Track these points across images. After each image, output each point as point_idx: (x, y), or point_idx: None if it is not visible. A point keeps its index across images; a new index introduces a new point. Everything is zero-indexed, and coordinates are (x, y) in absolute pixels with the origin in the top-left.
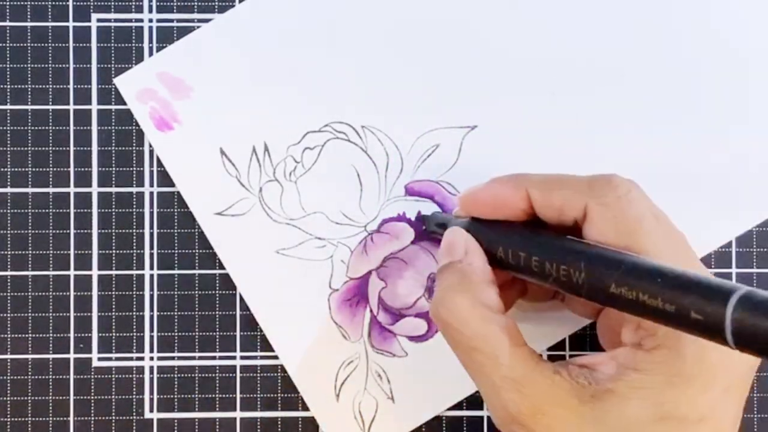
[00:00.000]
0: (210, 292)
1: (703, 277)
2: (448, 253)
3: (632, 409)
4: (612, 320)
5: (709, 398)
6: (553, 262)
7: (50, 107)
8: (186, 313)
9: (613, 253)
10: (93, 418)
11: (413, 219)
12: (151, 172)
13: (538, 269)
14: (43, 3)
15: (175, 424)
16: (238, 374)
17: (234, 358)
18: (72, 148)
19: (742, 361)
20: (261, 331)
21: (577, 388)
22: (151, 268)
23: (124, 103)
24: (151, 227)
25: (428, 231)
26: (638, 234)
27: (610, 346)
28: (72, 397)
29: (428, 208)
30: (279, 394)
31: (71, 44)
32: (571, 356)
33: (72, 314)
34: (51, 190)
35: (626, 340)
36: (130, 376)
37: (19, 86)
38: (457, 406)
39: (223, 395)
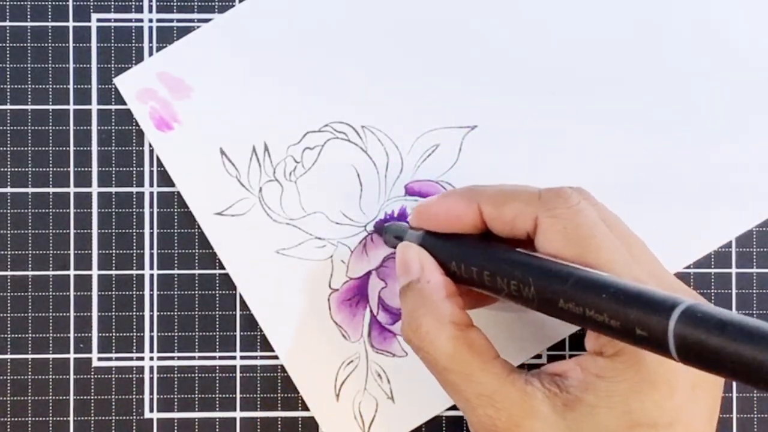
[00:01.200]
0: (210, 292)
1: (647, 290)
2: (404, 272)
3: (602, 418)
4: None
5: (677, 400)
6: (504, 277)
7: (50, 107)
8: (186, 313)
9: (561, 267)
10: (93, 418)
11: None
12: (151, 172)
13: (491, 283)
14: (43, 3)
15: (175, 424)
16: (238, 374)
17: (234, 358)
18: (72, 148)
19: None
20: (261, 331)
21: (549, 397)
22: (151, 268)
23: (124, 103)
24: (151, 227)
25: (386, 243)
26: (589, 244)
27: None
28: (72, 397)
29: None
30: (279, 394)
31: (71, 44)
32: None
33: (72, 314)
34: (51, 190)
35: (588, 347)
36: (130, 376)
37: (19, 86)
38: (457, 406)
39: (223, 395)
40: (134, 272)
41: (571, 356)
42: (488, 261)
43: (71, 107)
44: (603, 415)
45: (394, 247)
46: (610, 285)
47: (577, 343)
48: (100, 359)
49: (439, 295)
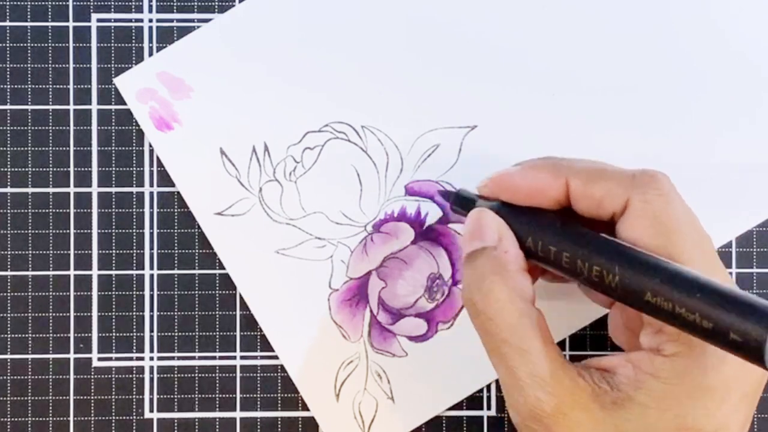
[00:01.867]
0: (210, 292)
1: (744, 295)
2: (479, 237)
3: (652, 419)
4: (629, 317)
5: (726, 409)
6: (585, 261)
7: (50, 107)
8: (186, 313)
9: (650, 259)
10: (93, 418)
11: (413, 216)
12: (151, 172)
13: (569, 266)
14: (43, 3)
15: (175, 424)
16: (238, 374)
17: (234, 358)
18: (72, 148)
19: (758, 369)
20: (261, 331)
21: (598, 393)
22: (151, 268)
23: (124, 103)
24: (151, 227)
25: (452, 208)
26: (675, 236)
27: (622, 340)
28: (72, 397)
29: (428, 208)
30: (279, 394)
31: (71, 44)
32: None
33: (72, 314)
34: (51, 190)
35: (645, 343)
36: (130, 376)
37: (19, 86)
38: (457, 406)
39: (223, 395)
40: (134, 272)
41: (571, 357)
42: (570, 242)
43: (71, 107)
44: (653, 416)
45: (457, 217)
46: (705, 285)
47: (578, 343)
48: (100, 359)
49: (516, 266)
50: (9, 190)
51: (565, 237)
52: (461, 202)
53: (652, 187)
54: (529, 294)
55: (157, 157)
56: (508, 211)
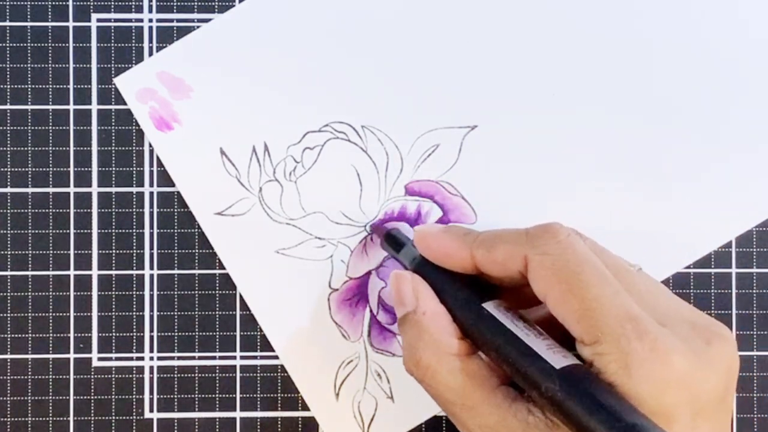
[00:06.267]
0: (210, 292)
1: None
2: (400, 303)
3: None
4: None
5: (680, 428)
6: (486, 344)
7: (50, 107)
8: (186, 313)
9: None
10: (93, 418)
11: (413, 216)
12: (151, 172)
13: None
14: (43, 3)
15: (175, 424)
16: (238, 374)
17: (234, 358)
18: (72, 148)
19: (707, 382)
20: (261, 331)
21: (551, 428)
22: (151, 268)
23: (124, 103)
24: (151, 227)
25: (382, 245)
26: (578, 279)
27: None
28: (72, 397)
29: (428, 208)
30: (279, 394)
31: (71, 44)
32: None
33: (72, 314)
34: (51, 190)
35: (583, 355)
36: (130, 376)
37: (19, 86)
38: None
39: (223, 395)
40: (134, 272)
41: None
42: (461, 309)
43: (71, 107)
44: None
45: (386, 250)
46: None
47: None
48: (100, 359)
49: (437, 326)
50: (9, 190)
51: (462, 304)
52: (390, 242)
53: (547, 239)
54: (457, 348)
55: (157, 157)
56: (427, 266)
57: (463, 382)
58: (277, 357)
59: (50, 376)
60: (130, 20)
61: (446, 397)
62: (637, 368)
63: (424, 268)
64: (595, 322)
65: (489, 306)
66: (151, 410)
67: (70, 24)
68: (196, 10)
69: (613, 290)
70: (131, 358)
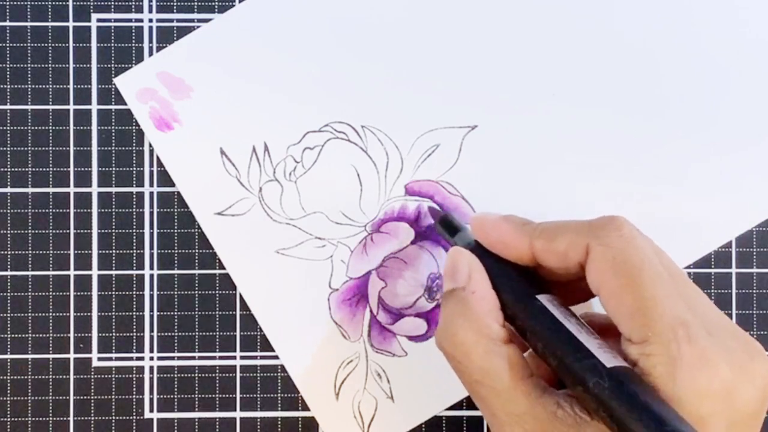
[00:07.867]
0: (210, 292)
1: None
2: (451, 277)
3: None
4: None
5: None
6: (517, 319)
7: (50, 107)
8: (186, 313)
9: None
10: (93, 418)
11: (413, 215)
12: (151, 172)
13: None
14: (43, 3)
15: (175, 424)
16: (238, 374)
17: (234, 358)
18: (72, 148)
19: (743, 396)
20: (261, 331)
21: (579, 423)
22: (151, 268)
23: (124, 103)
24: (151, 227)
25: (436, 229)
26: (638, 275)
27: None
28: (72, 397)
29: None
30: (279, 394)
31: (71, 44)
32: None
33: (72, 314)
34: (51, 190)
35: (629, 354)
36: (130, 376)
37: (19, 86)
38: (457, 406)
39: (223, 395)
40: (134, 272)
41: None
42: (524, 312)
43: (71, 107)
44: None
45: (446, 240)
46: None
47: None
48: (100, 359)
49: (482, 307)
50: (9, 190)
51: (515, 293)
52: (446, 226)
53: (610, 230)
54: (497, 334)
55: (157, 157)
56: (483, 252)
57: (497, 365)
58: (277, 357)
59: (50, 376)
60: (130, 20)
61: (475, 378)
62: (683, 374)
63: (479, 254)
64: (648, 321)
65: (542, 299)
66: (151, 410)
67: (70, 24)
68: (196, 10)
69: (669, 292)
70: (131, 358)
